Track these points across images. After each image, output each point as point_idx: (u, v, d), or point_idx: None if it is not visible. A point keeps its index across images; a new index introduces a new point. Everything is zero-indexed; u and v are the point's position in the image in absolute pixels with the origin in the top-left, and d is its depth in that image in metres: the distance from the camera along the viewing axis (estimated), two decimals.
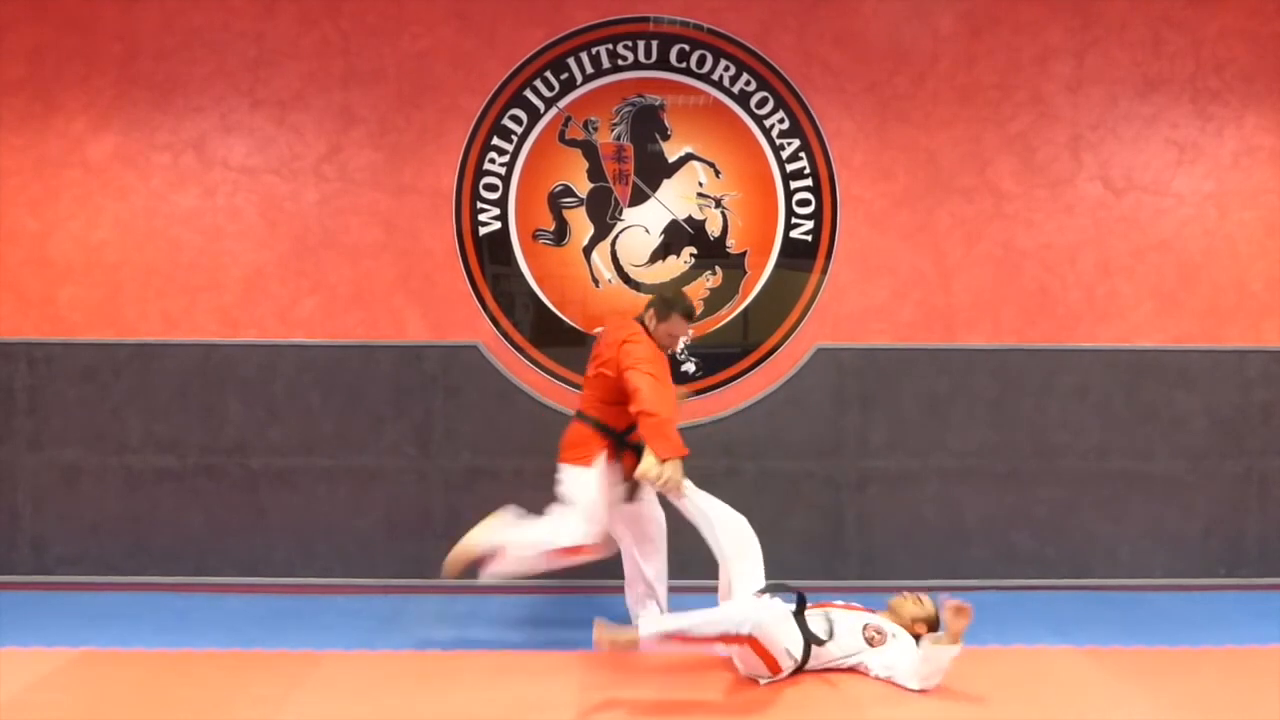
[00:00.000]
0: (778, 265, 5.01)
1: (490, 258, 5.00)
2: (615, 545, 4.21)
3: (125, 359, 4.92)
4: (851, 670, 3.81)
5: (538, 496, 4.16)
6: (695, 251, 5.00)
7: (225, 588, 4.88)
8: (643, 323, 4.16)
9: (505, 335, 4.99)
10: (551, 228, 4.99)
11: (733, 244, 5.01)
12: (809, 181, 5.00)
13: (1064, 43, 4.99)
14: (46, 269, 4.95)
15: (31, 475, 4.91)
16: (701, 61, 4.97)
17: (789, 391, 4.98)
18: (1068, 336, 5.00)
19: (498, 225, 4.99)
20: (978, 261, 5.01)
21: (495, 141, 4.97)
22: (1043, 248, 5.01)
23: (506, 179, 4.98)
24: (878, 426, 4.98)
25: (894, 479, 4.98)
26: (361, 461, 4.93)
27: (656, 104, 4.98)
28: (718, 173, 5.00)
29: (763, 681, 3.71)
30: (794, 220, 5.01)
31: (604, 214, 5.00)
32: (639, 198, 5.00)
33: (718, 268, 5.01)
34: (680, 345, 4.81)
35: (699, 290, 4.96)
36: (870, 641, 3.80)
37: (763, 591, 3.81)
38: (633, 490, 4.13)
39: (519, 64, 4.95)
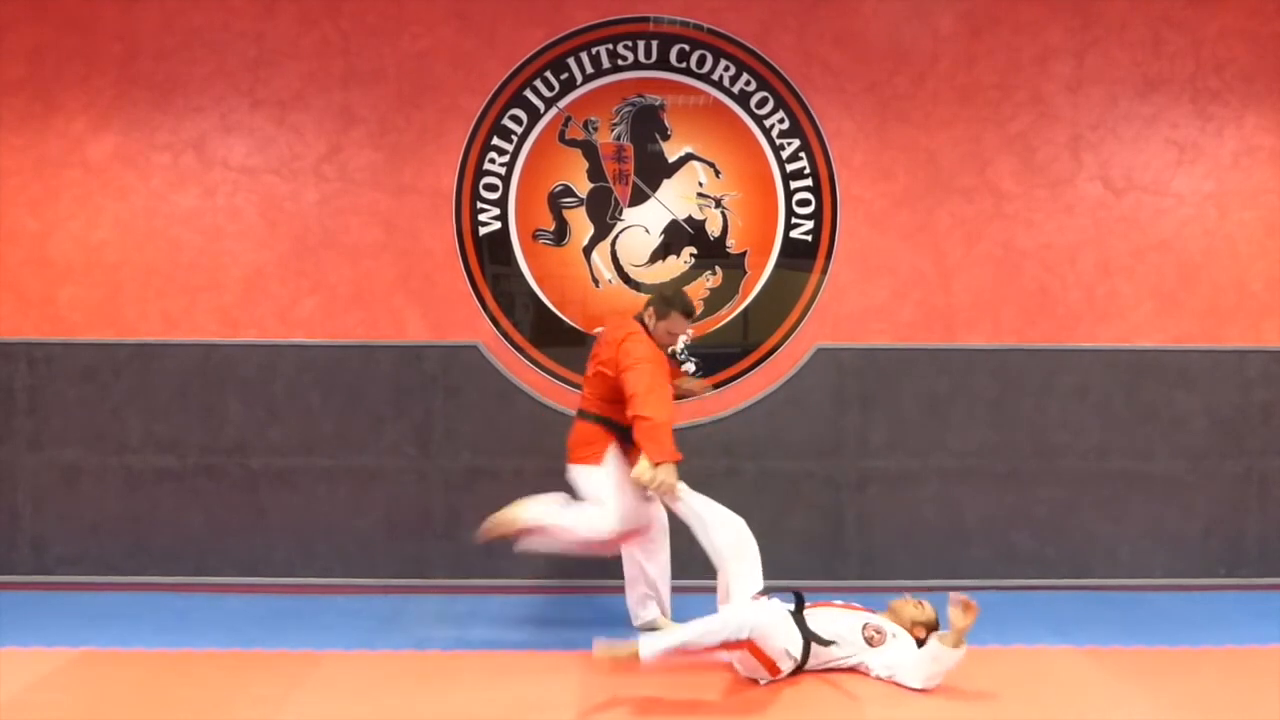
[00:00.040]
0: (778, 265, 5.01)
1: (490, 258, 5.00)
2: (658, 526, 4.20)
3: (125, 359, 4.92)
4: (851, 670, 3.81)
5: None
6: (695, 251, 5.00)
7: (225, 588, 4.88)
8: (642, 321, 4.16)
9: (505, 335, 4.99)
10: (551, 228, 5.00)
11: (733, 244, 5.01)
12: (809, 181, 5.00)
13: (1064, 43, 4.99)
14: (46, 269, 4.95)
15: (31, 475, 4.91)
16: (701, 61, 4.97)
17: (789, 391, 4.98)
18: (1068, 336, 5.00)
19: (498, 225, 4.99)
20: (978, 261, 5.01)
21: (495, 141, 4.97)
22: (1043, 248, 5.01)
23: (506, 179, 4.98)
24: (878, 426, 4.98)
25: (894, 479, 4.98)
26: (361, 461, 4.93)
27: (656, 104, 4.98)
28: (718, 173, 5.00)
29: (763, 681, 3.71)
30: (794, 220, 5.01)
31: (604, 214, 5.00)
32: (639, 198, 5.00)
33: (718, 268, 5.01)
34: (680, 344, 4.81)
35: (699, 290, 4.96)
36: (870, 641, 3.80)
37: (761, 593, 3.80)
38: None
39: (519, 64, 4.95)
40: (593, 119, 4.98)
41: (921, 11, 4.97)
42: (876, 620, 3.87)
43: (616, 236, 4.99)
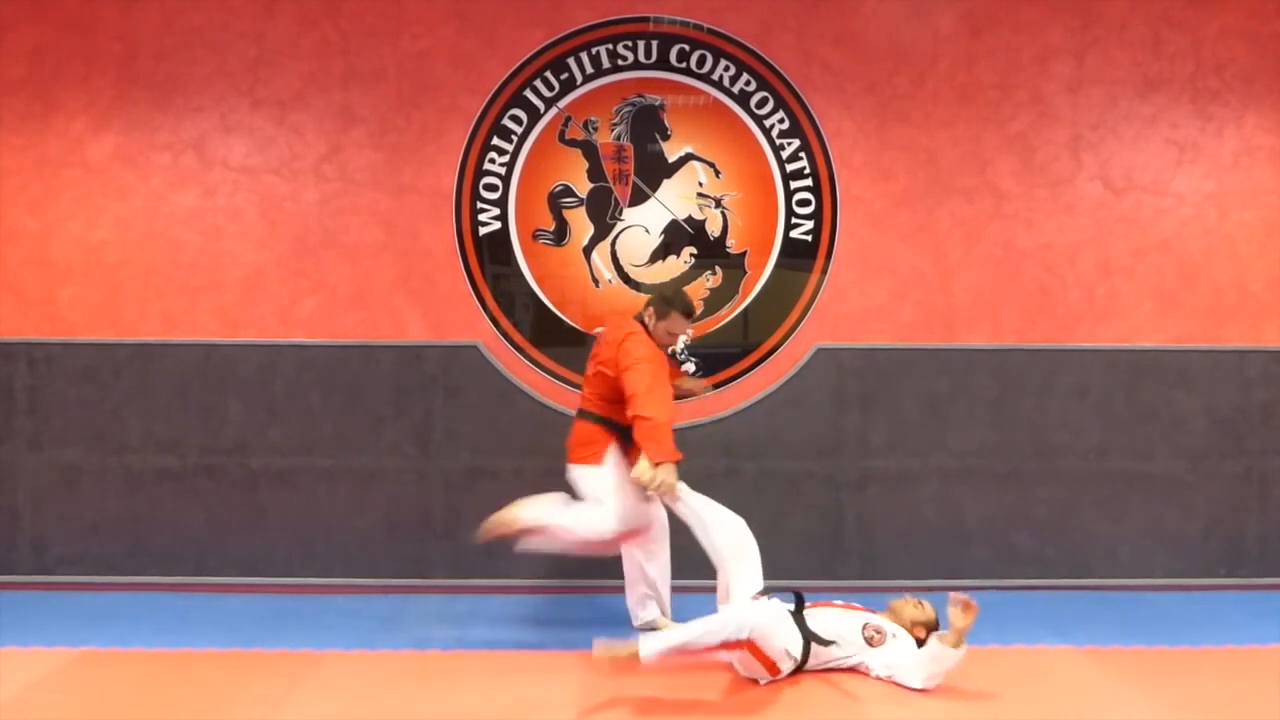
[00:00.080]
0: (778, 265, 5.01)
1: (490, 258, 5.00)
2: (658, 526, 4.20)
3: (125, 359, 4.92)
4: (851, 670, 3.81)
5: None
6: (695, 251, 5.00)
7: (225, 588, 4.88)
8: (642, 321, 4.16)
9: (505, 335, 4.99)
10: (551, 228, 4.99)
11: (733, 244, 5.01)
12: (809, 181, 5.00)
13: (1064, 43, 4.99)
14: (46, 269, 4.95)
15: (31, 475, 4.91)
16: (701, 61, 4.97)
17: (789, 391, 4.98)
18: (1068, 336, 5.00)
19: (498, 225, 4.99)
20: (978, 261, 5.01)
21: (495, 141, 4.97)
22: (1043, 248, 5.01)
23: (506, 179, 4.98)
24: (878, 426, 4.98)
25: (894, 479, 4.98)
26: (361, 461, 4.93)
27: (656, 104, 4.98)
28: (718, 173, 5.00)
29: (763, 682, 3.71)
30: (794, 220, 5.01)
31: (604, 214, 5.00)
32: (639, 198, 5.00)
33: (718, 268, 5.01)
34: (680, 344, 4.81)
35: (699, 290, 4.96)
36: (870, 641, 3.80)
37: (761, 593, 3.80)
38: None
39: (519, 64, 4.95)
40: (593, 119, 4.98)
41: (921, 11, 4.97)
42: (876, 620, 3.87)
43: (616, 236, 4.99)
